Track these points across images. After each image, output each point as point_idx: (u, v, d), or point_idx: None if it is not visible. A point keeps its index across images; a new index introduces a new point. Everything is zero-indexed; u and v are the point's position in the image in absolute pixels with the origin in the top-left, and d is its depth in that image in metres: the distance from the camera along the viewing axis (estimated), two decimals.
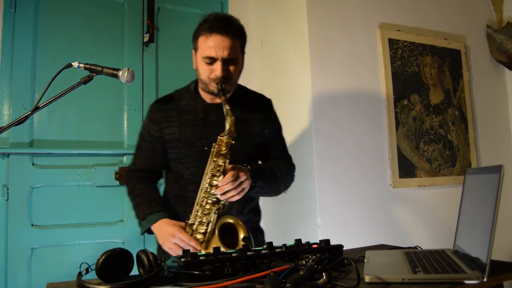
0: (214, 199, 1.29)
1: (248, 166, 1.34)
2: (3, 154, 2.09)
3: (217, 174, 1.28)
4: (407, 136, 2.39)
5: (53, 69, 1.23)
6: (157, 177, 1.56)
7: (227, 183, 1.24)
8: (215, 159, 1.29)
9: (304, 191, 2.19)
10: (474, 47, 2.78)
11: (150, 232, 1.39)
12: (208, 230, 1.29)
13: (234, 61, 1.36)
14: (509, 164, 2.76)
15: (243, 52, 1.43)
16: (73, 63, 1.23)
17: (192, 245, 1.27)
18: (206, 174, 1.29)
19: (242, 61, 1.44)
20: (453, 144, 2.57)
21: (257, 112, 1.52)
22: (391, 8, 2.47)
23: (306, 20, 2.21)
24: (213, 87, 1.36)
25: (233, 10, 2.74)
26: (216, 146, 1.29)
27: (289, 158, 1.58)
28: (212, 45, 1.32)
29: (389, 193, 2.30)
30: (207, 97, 1.45)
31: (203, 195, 1.30)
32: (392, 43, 2.42)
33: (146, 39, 2.45)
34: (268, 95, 2.63)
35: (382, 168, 2.30)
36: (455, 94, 2.63)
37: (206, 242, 1.29)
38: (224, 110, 1.30)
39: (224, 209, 1.29)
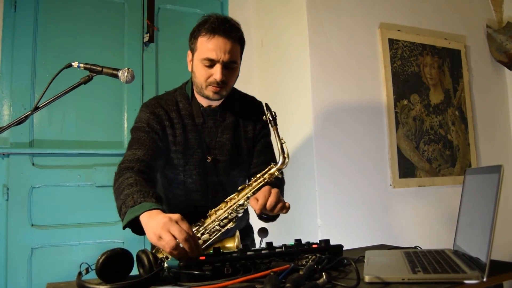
0: (234, 215, 1.26)
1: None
2: (3, 154, 2.09)
3: (250, 196, 1.25)
4: (407, 136, 2.39)
5: (53, 69, 1.24)
6: (156, 181, 1.33)
7: (276, 202, 1.20)
8: (259, 185, 1.26)
9: (304, 191, 2.19)
10: (474, 47, 2.78)
11: (135, 226, 1.06)
12: (209, 241, 1.23)
13: (233, 65, 1.31)
14: (509, 164, 2.76)
15: (241, 58, 1.38)
16: (73, 63, 1.23)
17: (190, 241, 0.96)
18: (246, 193, 1.26)
19: (240, 68, 1.38)
20: (453, 144, 2.57)
21: (250, 116, 1.47)
22: (391, 8, 2.48)
23: (306, 20, 2.21)
24: (210, 91, 1.30)
25: (233, 10, 2.74)
26: (267, 176, 1.27)
27: (275, 161, 1.37)
28: (213, 47, 1.26)
29: (389, 193, 2.30)
30: (203, 101, 1.39)
31: (230, 210, 1.25)
32: (392, 43, 2.42)
33: (146, 39, 2.45)
34: (268, 95, 2.65)
35: (382, 168, 2.30)
36: (455, 94, 2.63)
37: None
38: (279, 145, 1.26)
39: (235, 222, 1.27)
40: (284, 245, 1.03)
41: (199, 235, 1.21)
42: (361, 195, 2.22)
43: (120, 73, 1.24)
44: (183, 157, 1.37)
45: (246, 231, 1.55)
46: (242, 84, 2.70)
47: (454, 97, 2.62)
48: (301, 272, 0.83)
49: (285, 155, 1.28)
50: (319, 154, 2.14)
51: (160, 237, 0.96)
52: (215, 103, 1.39)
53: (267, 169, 1.29)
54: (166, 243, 0.94)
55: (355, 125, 2.26)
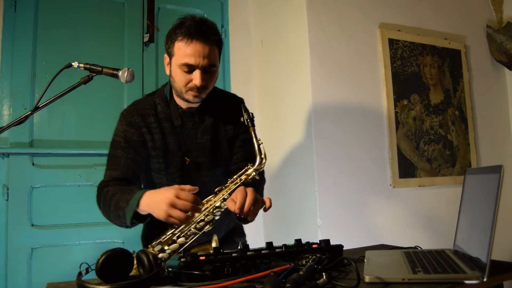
0: (211, 218, 1.24)
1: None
2: (3, 154, 2.09)
3: (227, 198, 1.24)
4: (407, 136, 2.39)
5: (53, 69, 1.23)
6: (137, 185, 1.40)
7: (251, 204, 1.18)
8: (235, 186, 1.26)
9: (304, 191, 2.19)
10: (474, 47, 2.78)
11: (139, 218, 1.21)
12: (186, 245, 1.22)
13: (212, 69, 1.29)
14: (509, 164, 2.76)
15: (220, 60, 1.36)
16: (73, 63, 1.23)
17: (192, 205, 1.12)
18: (223, 195, 1.25)
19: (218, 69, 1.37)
20: (453, 144, 2.57)
21: (230, 114, 1.44)
22: (391, 8, 2.47)
23: (306, 20, 2.21)
24: (190, 95, 1.30)
25: (233, 10, 2.74)
26: (244, 177, 1.27)
27: (253, 159, 1.34)
28: (192, 52, 1.24)
29: (389, 193, 2.30)
30: (182, 103, 1.38)
31: (206, 213, 1.23)
32: (392, 43, 2.41)
33: (146, 39, 2.45)
34: (268, 95, 2.65)
35: (382, 168, 2.30)
36: (455, 94, 2.63)
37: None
38: (256, 146, 1.28)
39: (212, 225, 1.24)
40: (284, 245, 1.03)
41: (174, 238, 1.21)
42: (361, 195, 2.22)
43: (120, 73, 1.24)
44: (164, 161, 1.37)
45: (230, 238, 1.52)
46: (242, 84, 2.71)
47: (454, 97, 2.62)
48: (301, 272, 0.83)
49: (262, 156, 1.28)
50: (319, 154, 2.14)
51: (170, 215, 1.11)
52: (194, 105, 1.37)
53: (244, 169, 1.29)
54: (177, 219, 1.11)
55: (355, 125, 2.26)
